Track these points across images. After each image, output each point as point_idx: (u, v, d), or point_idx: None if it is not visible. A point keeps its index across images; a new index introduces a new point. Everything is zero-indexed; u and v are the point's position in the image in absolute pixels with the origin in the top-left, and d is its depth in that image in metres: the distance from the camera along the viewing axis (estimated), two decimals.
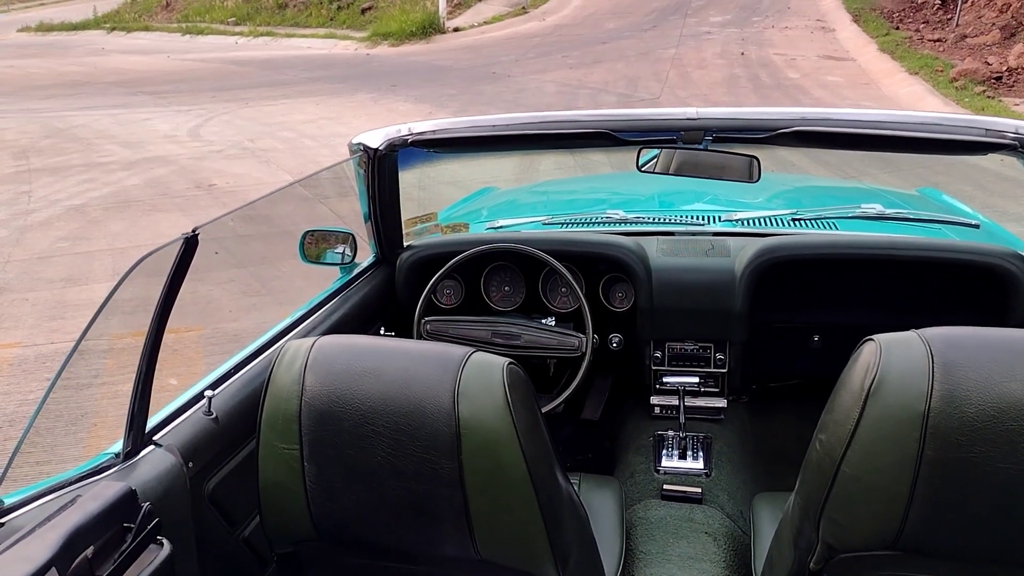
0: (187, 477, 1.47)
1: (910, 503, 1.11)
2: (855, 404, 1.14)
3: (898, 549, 1.17)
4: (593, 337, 2.29)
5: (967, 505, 1.10)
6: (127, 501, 1.15)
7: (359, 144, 2.18)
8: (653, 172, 2.15)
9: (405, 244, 2.50)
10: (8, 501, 1.20)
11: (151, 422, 1.50)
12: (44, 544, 0.99)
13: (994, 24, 11.49)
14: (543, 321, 2.39)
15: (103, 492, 1.13)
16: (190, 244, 1.37)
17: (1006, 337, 1.13)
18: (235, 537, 1.67)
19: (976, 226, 2.58)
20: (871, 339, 1.18)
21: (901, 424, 1.09)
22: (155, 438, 1.49)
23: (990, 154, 1.86)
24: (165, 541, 1.20)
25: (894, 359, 1.12)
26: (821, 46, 12.68)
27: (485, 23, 17.36)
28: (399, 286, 2.45)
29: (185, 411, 1.59)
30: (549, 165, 7.03)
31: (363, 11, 19.11)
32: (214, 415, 1.59)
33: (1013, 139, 1.81)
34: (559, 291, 2.48)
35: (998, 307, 2.14)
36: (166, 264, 1.38)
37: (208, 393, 1.61)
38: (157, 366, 1.46)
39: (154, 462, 1.42)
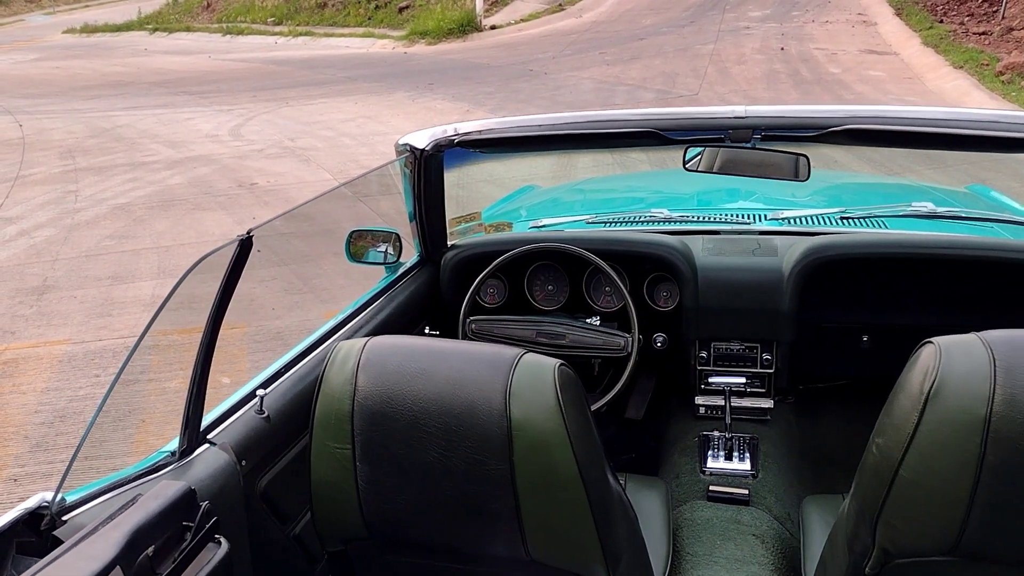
0: (240, 475, 1.49)
1: (970, 509, 1.09)
2: (914, 408, 1.12)
3: (956, 555, 1.14)
4: (639, 337, 2.28)
5: None
6: (187, 500, 1.17)
7: (406, 144, 2.19)
8: (698, 171, 2.13)
9: (449, 243, 2.51)
10: (70, 499, 1.22)
11: (205, 421, 1.52)
12: (109, 543, 1.01)
13: None
14: (588, 321, 2.39)
15: (163, 491, 1.15)
16: (244, 246, 1.39)
17: None
18: (286, 535, 1.69)
19: None
20: (930, 342, 1.15)
21: (962, 428, 1.08)
22: (209, 436, 1.51)
23: None
24: (223, 540, 1.21)
25: (954, 362, 1.10)
26: (863, 40, 12.47)
27: (522, 20, 17.33)
28: (444, 285, 2.46)
29: (238, 410, 1.61)
30: (587, 162, 7.00)
31: (400, 10, 19.19)
32: (266, 414, 1.61)
33: None
34: (603, 290, 2.47)
35: None
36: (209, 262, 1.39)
37: (260, 392, 1.63)
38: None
39: (209, 460, 1.45)
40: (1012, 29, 11.32)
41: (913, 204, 2.55)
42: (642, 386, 2.80)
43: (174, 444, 1.45)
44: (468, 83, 12.15)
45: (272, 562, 1.64)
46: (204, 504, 1.20)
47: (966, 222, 2.52)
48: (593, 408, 2.25)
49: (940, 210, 2.52)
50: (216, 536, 1.21)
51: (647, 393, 2.79)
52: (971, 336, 1.13)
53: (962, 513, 1.10)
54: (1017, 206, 3.07)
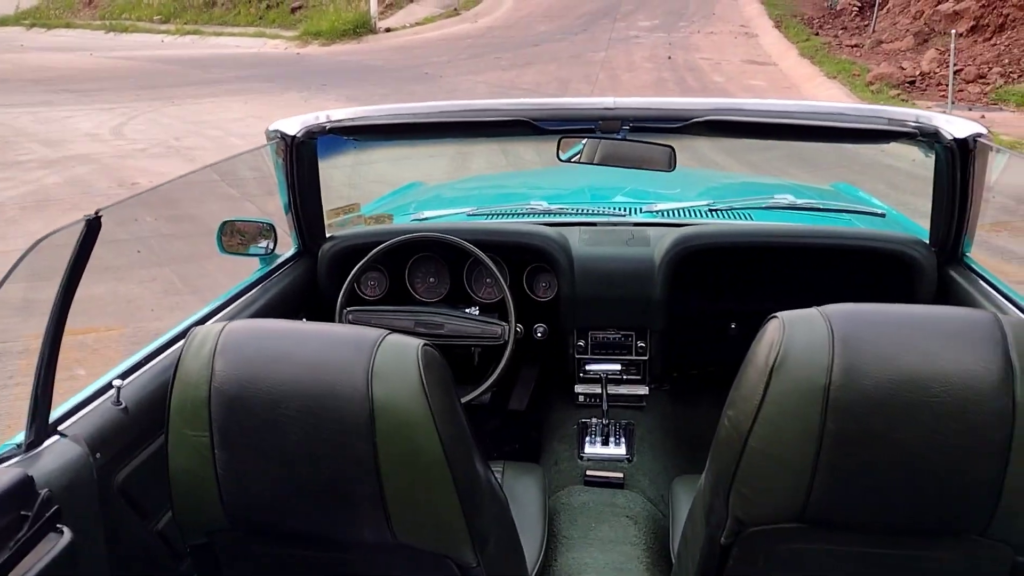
0: (94, 468, 1.43)
1: (814, 476, 1.14)
2: (760, 380, 1.16)
3: (805, 522, 1.19)
4: (517, 327, 2.30)
5: (867, 476, 1.13)
6: (23, 488, 1.11)
7: (276, 131, 2.15)
8: (579, 162, 2.17)
9: (327, 235, 2.48)
10: None
11: (57, 412, 1.46)
12: None
13: (908, 30, 11.94)
14: (467, 311, 2.40)
15: None
16: (92, 227, 1.33)
17: (902, 312, 1.18)
18: (148, 530, 1.63)
19: (882, 215, 2.68)
20: (775, 316, 1.21)
21: (804, 398, 1.12)
22: (60, 428, 1.44)
23: (892, 143, 1.94)
24: (66, 529, 1.16)
25: (797, 335, 1.15)
26: (745, 51, 12.99)
27: (417, 24, 17.31)
28: (321, 277, 2.42)
29: (92, 401, 1.54)
30: (481, 164, 7.04)
31: (293, 10, 18.88)
32: (123, 405, 1.55)
33: (913, 128, 1.90)
34: (484, 281, 2.49)
35: (904, 292, 2.23)
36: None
37: (117, 383, 1.56)
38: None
39: (58, 452, 1.38)
40: (881, 42, 12.00)
41: (775, 196, 2.68)
42: (525, 377, 2.83)
43: (20, 437, 1.38)
44: (363, 85, 12.04)
45: (134, 559, 1.58)
46: (43, 492, 1.15)
47: (824, 213, 2.65)
48: (472, 397, 2.26)
49: (800, 202, 2.65)
50: (58, 526, 1.16)
51: (530, 384, 2.82)
52: (812, 310, 1.19)
53: (807, 480, 1.15)
54: (877, 202, 3.24)
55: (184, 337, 1.81)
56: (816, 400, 1.11)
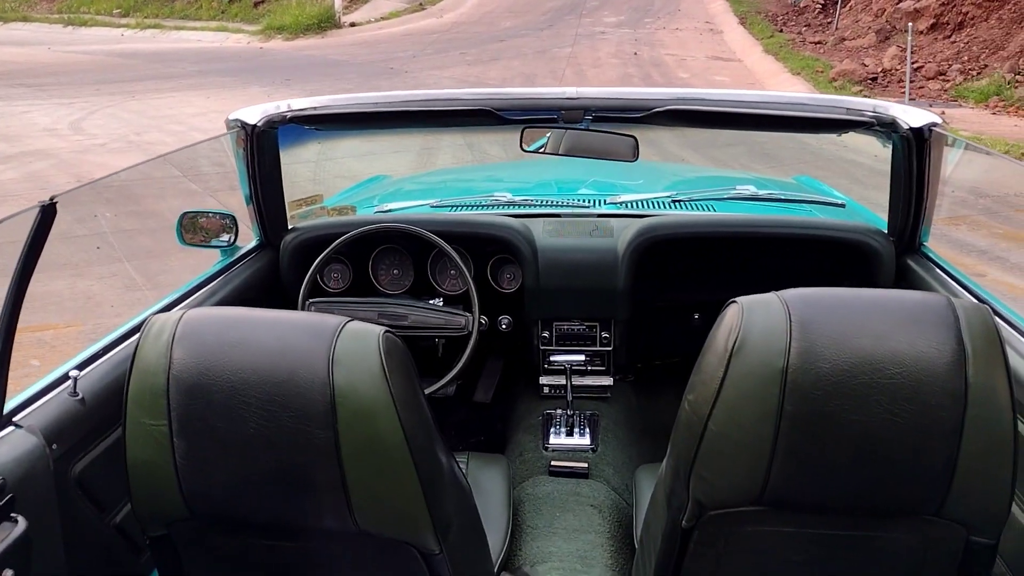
0: (50, 459, 1.40)
1: (772, 458, 1.15)
2: (720, 363, 1.17)
3: (764, 504, 1.20)
4: (482, 318, 2.30)
5: (824, 458, 1.15)
6: None
7: (236, 120, 2.13)
8: (543, 153, 2.17)
9: (289, 227, 2.46)
10: None
11: (12, 403, 1.43)
12: None
13: (870, 28, 12.12)
14: (431, 302, 2.39)
15: None
16: (47, 213, 1.31)
17: (858, 296, 1.19)
18: (106, 522, 1.61)
19: (842, 206, 2.72)
20: (735, 301, 1.22)
21: (762, 381, 1.14)
22: (15, 419, 1.42)
23: (850, 132, 1.97)
24: (20, 518, 1.14)
25: (755, 319, 1.16)
26: (710, 47, 13.09)
27: (382, 19, 17.22)
28: (283, 270, 2.40)
29: (48, 392, 1.52)
30: (447, 159, 7.03)
31: (256, 4, 18.68)
32: (80, 396, 1.53)
33: (870, 117, 1.93)
34: (448, 273, 2.49)
35: (863, 281, 2.26)
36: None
37: (73, 373, 1.54)
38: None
39: (13, 443, 1.36)
40: (844, 39, 12.17)
41: (737, 188, 2.70)
42: (490, 369, 2.83)
43: None
44: (327, 79, 11.94)
45: (92, 551, 1.56)
46: None
47: (785, 204, 2.68)
48: (437, 388, 2.26)
49: (761, 193, 2.68)
50: (12, 515, 1.14)
51: (495, 376, 2.82)
52: (771, 295, 1.20)
53: (766, 463, 1.16)
54: (838, 194, 3.28)
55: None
56: (774, 383, 1.13)
